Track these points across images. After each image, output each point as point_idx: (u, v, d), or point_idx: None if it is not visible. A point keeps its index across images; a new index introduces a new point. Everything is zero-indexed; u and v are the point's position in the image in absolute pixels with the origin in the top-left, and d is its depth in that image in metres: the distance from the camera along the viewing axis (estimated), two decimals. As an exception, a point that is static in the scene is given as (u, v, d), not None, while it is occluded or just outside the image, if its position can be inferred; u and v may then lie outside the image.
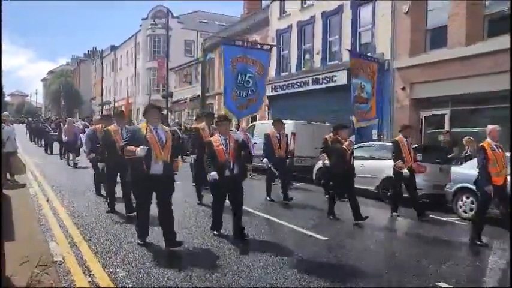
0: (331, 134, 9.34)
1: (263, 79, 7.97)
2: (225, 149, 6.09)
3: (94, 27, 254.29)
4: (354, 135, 8.10)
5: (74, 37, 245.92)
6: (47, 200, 8.67)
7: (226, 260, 5.28)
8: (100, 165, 8.10)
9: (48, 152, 20.08)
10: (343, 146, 7.87)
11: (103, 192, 8.95)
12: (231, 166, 6.09)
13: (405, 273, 5.17)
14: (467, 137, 11.25)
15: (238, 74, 7.39)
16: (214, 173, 5.93)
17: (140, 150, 5.15)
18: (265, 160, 9.82)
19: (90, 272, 4.72)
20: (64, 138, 15.75)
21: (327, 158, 9.58)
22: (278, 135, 9.96)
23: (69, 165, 14.89)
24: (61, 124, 19.32)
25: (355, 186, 9.60)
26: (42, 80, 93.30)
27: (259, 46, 8.96)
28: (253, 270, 4.94)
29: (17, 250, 5.04)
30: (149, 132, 5.39)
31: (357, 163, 9.16)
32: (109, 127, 7.67)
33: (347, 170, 8.01)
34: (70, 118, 19.13)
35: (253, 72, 7.57)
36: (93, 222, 6.95)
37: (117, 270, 4.78)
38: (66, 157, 16.06)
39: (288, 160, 10.81)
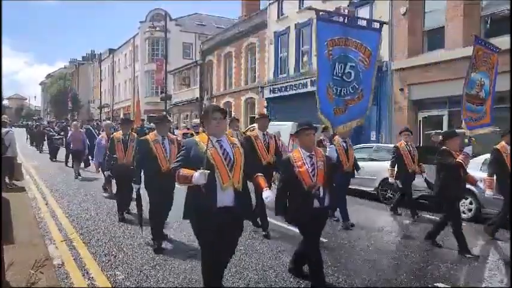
0: (402, 141, 8.74)
1: (370, 71, 5.51)
2: (310, 169, 4.31)
3: (92, 31, 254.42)
4: (470, 147, 6.18)
5: (72, 40, 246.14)
6: (46, 204, 8.68)
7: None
8: (106, 173, 7.91)
9: (53, 158, 17.87)
10: (458, 160, 5.99)
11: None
12: (321, 194, 4.30)
13: (404, 273, 5.18)
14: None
15: (335, 64, 5.21)
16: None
17: (199, 176, 3.44)
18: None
19: (89, 274, 4.73)
20: (70, 145, 13.78)
21: (393, 173, 8.79)
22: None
23: (77, 178, 12.50)
24: (68, 128, 17.57)
25: (353, 187, 9.60)
26: (41, 83, 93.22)
27: (365, 23, 6.31)
28: (252, 272, 4.95)
29: (16, 253, 5.03)
30: (211, 147, 3.66)
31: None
32: (149, 136, 6.01)
33: (461, 192, 6.41)
34: (76, 122, 16.22)
35: (355, 60, 5.37)
36: (92, 225, 6.95)
37: (116, 272, 4.79)
38: (74, 169, 13.34)
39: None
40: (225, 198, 3.63)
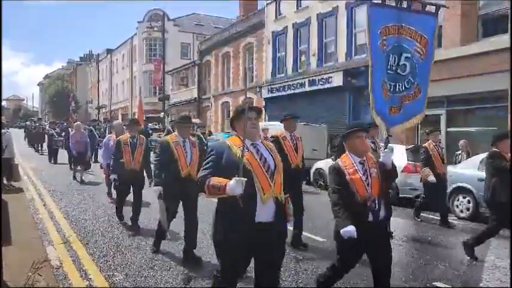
0: (430, 141, 8.15)
1: (427, 62, 4.87)
2: (364, 178, 3.63)
3: (90, 31, 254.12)
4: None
5: (69, 41, 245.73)
6: (44, 205, 8.66)
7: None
8: (112, 177, 7.28)
9: (52, 161, 17.33)
10: None
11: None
12: (376, 206, 3.62)
13: (402, 272, 5.19)
14: (463, 140, 11.25)
15: (389, 55, 4.62)
16: (351, 228, 3.39)
17: (235, 185, 2.84)
18: None
19: (88, 275, 4.73)
20: (72, 147, 12.62)
21: (430, 172, 7.96)
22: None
23: (76, 180, 12.08)
24: (69, 129, 16.12)
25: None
26: (39, 84, 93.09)
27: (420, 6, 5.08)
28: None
29: (14, 255, 5.03)
30: (246, 151, 3.05)
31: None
32: (169, 137, 5.54)
33: None
34: (78, 122, 14.81)
35: (411, 50, 4.73)
36: (90, 226, 6.94)
37: (115, 273, 4.79)
38: (73, 169, 12.78)
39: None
40: (265, 212, 3.01)
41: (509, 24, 11.00)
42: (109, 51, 55.36)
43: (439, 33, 13.66)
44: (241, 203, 2.94)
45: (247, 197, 2.93)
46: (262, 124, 17.68)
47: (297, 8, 20.53)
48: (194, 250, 5.27)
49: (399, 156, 10.50)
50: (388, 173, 3.88)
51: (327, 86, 17.87)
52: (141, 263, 5.17)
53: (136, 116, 29.98)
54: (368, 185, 3.59)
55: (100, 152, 12.58)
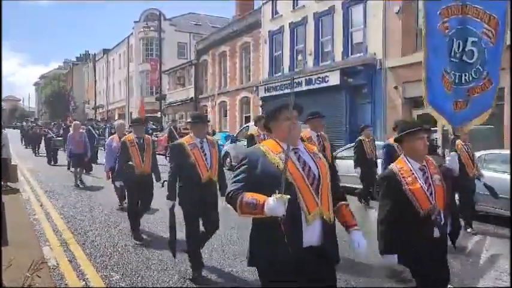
0: (458, 140, 6.89)
1: (498, 46, 4.15)
2: (426, 187, 3.06)
3: (86, 31, 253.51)
4: None
5: (66, 41, 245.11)
6: (41, 205, 8.66)
7: (220, 262, 5.29)
8: (117, 184, 6.60)
9: (52, 162, 16.72)
10: None
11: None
12: (442, 220, 3.08)
13: (400, 271, 5.19)
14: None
15: (453, 40, 3.91)
16: (393, 258, 3.07)
17: (275, 204, 2.28)
18: None
19: (84, 275, 4.73)
20: (69, 148, 11.89)
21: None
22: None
23: (78, 186, 11.18)
24: (69, 129, 15.62)
25: (349, 185, 9.60)
26: (35, 84, 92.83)
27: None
28: (247, 271, 4.95)
29: (10, 255, 5.01)
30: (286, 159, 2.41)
31: (350, 162, 9.20)
32: (184, 139, 4.93)
33: None
34: (77, 122, 14.06)
35: (478, 33, 4.01)
36: (87, 226, 6.94)
37: (111, 273, 4.79)
38: (74, 172, 11.84)
39: None
40: (311, 234, 2.46)
41: (509, 24, 11.03)
42: (105, 51, 55.22)
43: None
44: (283, 227, 2.39)
45: (291, 218, 2.37)
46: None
47: (294, 8, 20.54)
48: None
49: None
50: (454, 180, 3.33)
51: (323, 85, 17.88)
52: (138, 263, 5.17)
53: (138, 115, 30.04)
54: (431, 195, 3.03)
55: (100, 153, 12.49)
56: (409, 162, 3.14)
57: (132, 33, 44.90)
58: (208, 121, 5.15)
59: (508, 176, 7.44)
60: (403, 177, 3.07)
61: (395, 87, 14.96)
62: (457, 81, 3.96)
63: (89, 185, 11.18)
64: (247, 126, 17.95)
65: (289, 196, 2.29)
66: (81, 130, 12.49)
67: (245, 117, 24.99)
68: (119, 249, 5.69)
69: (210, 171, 4.69)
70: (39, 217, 7.57)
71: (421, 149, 3.12)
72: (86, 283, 4.53)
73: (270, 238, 2.47)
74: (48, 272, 4.73)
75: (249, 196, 2.42)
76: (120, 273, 4.80)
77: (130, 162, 6.18)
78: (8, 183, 10.52)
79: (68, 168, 14.09)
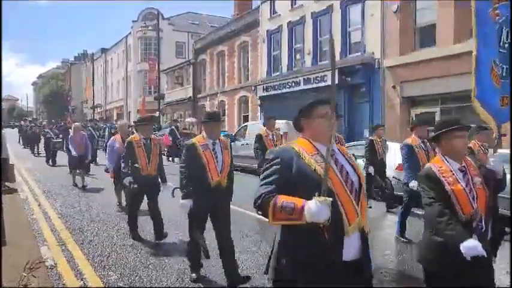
0: (474, 141, 6.25)
1: None
2: (468, 189, 2.76)
3: (84, 30, 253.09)
4: None
5: (64, 40, 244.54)
6: (39, 205, 8.65)
7: (218, 260, 5.29)
8: (127, 180, 6.07)
9: (50, 163, 16.42)
10: None
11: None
12: (483, 227, 2.74)
13: (397, 267, 5.21)
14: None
15: (502, 28, 3.64)
16: (474, 242, 2.48)
17: (319, 208, 2.02)
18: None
19: (82, 275, 4.73)
20: (71, 149, 11.32)
21: None
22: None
23: (76, 186, 11.00)
24: (69, 130, 15.35)
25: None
26: (33, 83, 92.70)
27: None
28: (245, 270, 4.96)
29: (7, 255, 5.01)
30: (321, 161, 2.23)
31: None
32: (196, 139, 4.57)
33: None
34: (77, 123, 13.44)
35: None
36: (85, 226, 6.93)
37: (109, 273, 4.79)
38: (72, 174, 11.51)
39: None
40: (350, 247, 2.19)
41: (509, 23, 11.05)
42: (104, 50, 55.16)
43: (433, 32, 13.73)
44: (326, 235, 2.11)
45: (334, 225, 2.10)
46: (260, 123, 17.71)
47: (292, 7, 20.54)
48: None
49: (394, 154, 10.55)
50: (497, 183, 3.12)
51: (321, 84, 17.89)
52: (136, 262, 5.17)
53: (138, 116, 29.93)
54: (473, 198, 2.72)
55: (99, 153, 12.32)
56: (447, 162, 2.85)
57: (130, 33, 44.85)
58: (223, 120, 4.64)
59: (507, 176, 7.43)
60: (444, 176, 2.77)
61: (394, 87, 14.99)
62: (504, 74, 3.64)
63: (86, 184, 11.09)
64: (246, 125, 17.97)
65: (331, 199, 2.03)
66: (82, 132, 12.09)
67: (243, 116, 24.99)
68: (117, 249, 5.69)
69: (221, 175, 4.39)
70: (37, 217, 7.56)
71: (461, 148, 2.86)
72: (83, 283, 4.53)
73: (309, 246, 2.14)
74: (46, 272, 4.72)
75: (284, 199, 2.11)
76: (118, 272, 4.80)
77: (136, 165, 5.93)
78: (6, 183, 10.52)
79: (70, 172, 13.37)
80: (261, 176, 2.31)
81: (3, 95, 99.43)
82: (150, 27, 33.23)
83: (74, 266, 5.01)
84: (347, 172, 2.27)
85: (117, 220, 7.37)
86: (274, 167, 2.25)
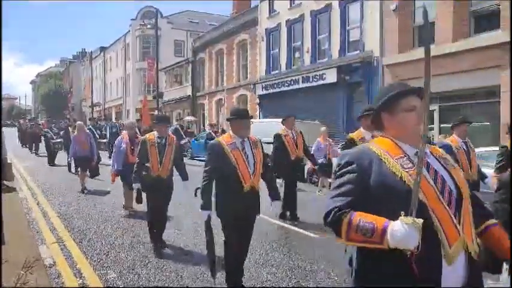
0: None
1: None
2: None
3: (83, 29, 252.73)
4: None
5: (62, 39, 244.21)
6: (37, 204, 8.64)
7: (217, 259, 5.29)
8: (135, 186, 5.85)
9: (51, 164, 15.75)
10: None
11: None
12: None
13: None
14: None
15: None
16: None
17: (405, 232, 1.55)
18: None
19: (81, 274, 4.73)
20: (74, 150, 10.65)
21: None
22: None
23: (83, 191, 10.03)
24: (69, 128, 14.93)
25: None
26: (31, 82, 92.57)
27: None
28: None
29: (6, 254, 5.01)
30: (410, 166, 1.75)
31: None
32: (222, 138, 4.15)
33: None
34: (80, 122, 12.80)
35: None
36: (83, 225, 6.93)
37: (108, 271, 4.79)
38: (80, 178, 10.56)
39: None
40: (452, 275, 1.68)
41: (509, 22, 11.05)
42: (102, 49, 55.07)
43: (431, 30, 13.71)
44: (414, 265, 1.63)
45: (426, 252, 1.62)
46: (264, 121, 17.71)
47: (290, 5, 20.51)
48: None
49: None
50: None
51: (320, 82, 17.89)
52: (135, 261, 5.17)
53: (139, 115, 29.78)
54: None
55: (101, 154, 12.03)
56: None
57: (129, 31, 44.76)
58: (251, 116, 4.21)
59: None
60: None
61: (392, 85, 14.99)
62: None
63: (89, 188, 10.32)
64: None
65: (422, 220, 1.57)
66: (86, 131, 11.45)
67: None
68: (116, 248, 5.69)
69: (253, 178, 3.95)
70: (35, 215, 7.56)
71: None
72: (82, 281, 4.53)
73: (392, 277, 1.67)
74: (44, 271, 4.72)
75: (361, 217, 1.68)
76: (117, 271, 4.80)
77: (147, 164, 5.64)
78: (4, 182, 10.51)
79: (69, 170, 13.47)
80: (333, 186, 1.90)
81: (2, 94, 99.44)
82: (148, 26, 33.08)
83: (73, 264, 5.01)
84: (443, 179, 1.78)
85: (115, 219, 7.37)
86: (349, 174, 1.80)
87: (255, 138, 4.14)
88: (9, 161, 11.11)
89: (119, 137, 8.15)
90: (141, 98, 40.49)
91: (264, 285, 4.51)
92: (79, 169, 10.75)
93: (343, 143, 4.74)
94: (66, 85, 65.92)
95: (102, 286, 4.42)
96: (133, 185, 5.88)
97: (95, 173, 10.91)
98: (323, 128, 11.28)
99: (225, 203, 3.95)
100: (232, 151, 3.91)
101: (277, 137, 7.86)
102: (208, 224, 4.00)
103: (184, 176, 5.93)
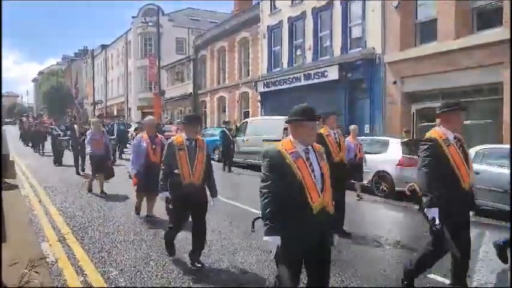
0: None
1: None
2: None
3: (84, 27, 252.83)
4: None
5: (63, 37, 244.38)
6: (39, 201, 8.65)
7: (219, 257, 5.30)
8: (163, 195, 5.06)
9: (57, 164, 15.09)
10: None
11: None
12: None
13: (395, 264, 5.20)
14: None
15: None
16: None
17: None
18: None
19: (83, 271, 4.73)
20: (88, 150, 9.68)
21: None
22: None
23: (92, 192, 9.61)
24: (74, 126, 14.15)
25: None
26: (33, 80, 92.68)
27: None
28: (245, 267, 4.96)
29: (8, 252, 5.02)
30: None
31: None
32: (282, 144, 3.13)
33: None
34: (96, 119, 12.19)
35: None
36: (85, 222, 6.93)
37: (110, 269, 4.79)
38: (90, 179, 9.95)
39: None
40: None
41: (510, 20, 11.00)
42: (104, 46, 55.08)
43: (434, 27, 13.69)
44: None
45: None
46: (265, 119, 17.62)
47: (292, 2, 20.47)
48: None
49: (395, 150, 10.56)
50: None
51: (322, 80, 17.86)
52: (137, 258, 5.17)
53: (140, 114, 29.85)
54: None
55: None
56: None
57: (130, 29, 44.79)
58: (319, 117, 3.56)
59: (505, 170, 7.47)
60: None
61: (394, 82, 14.95)
62: None
63: (106, 191, 9.51)
64: (246, 121, 17.97)
65: None
66: (102, 129, 10.58)
67: (244, 112, 24.98)
68: (118, 245, 5.69)
69: (323, 196, 3.02)
70: (37, 213, 7.56)
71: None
72: (84, 279, 4.53)
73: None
74: (46, 268, 4.72)
75: None
76: (119, 268, 4.80)
77: (176, 171, 4.90)
78: (6, 180, 10.52)
79: (77, 173, 12.94)
80: None
81: (3, 91, 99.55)
82: (150, 23, 33.07)
83: (75, 262, 5.01)
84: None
85: (117, 216, 7.38)
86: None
87: (319, 147, 3.26)
88: (11, 159, 11.12)
89: (137, 136, 7.51)
90: (143, 95, 40.58)
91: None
92: (91, 170, 9.82)
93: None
94: (68, 82, 65.89)
95: (104, 284, 4.42)
96: (160, 194, 5.10)
97: (109, 175, 9.83)
98: (353, 127, 10.15)
99: (291, 227, 2.96)
100: (296, 160, 3.01)
101: (320, 136, 6.41)
102: (277, 250, 2.94)
103: (214, 191, 5.10)
